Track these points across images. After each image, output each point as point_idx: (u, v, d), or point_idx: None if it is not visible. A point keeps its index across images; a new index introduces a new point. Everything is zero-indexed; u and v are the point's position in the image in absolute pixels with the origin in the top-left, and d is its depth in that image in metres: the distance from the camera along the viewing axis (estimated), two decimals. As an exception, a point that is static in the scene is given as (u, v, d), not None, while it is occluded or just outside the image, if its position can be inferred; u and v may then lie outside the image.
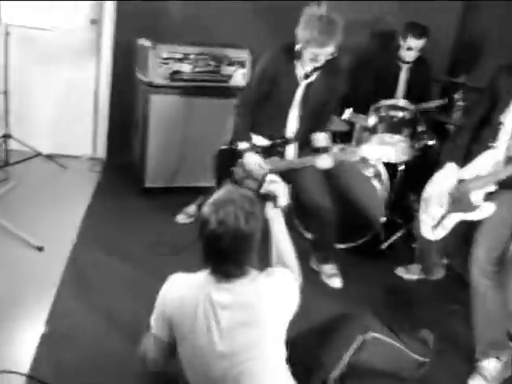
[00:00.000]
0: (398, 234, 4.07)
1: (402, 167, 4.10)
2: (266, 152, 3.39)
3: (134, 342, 2.38)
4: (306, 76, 3.25)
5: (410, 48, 4.21)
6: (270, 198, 2.28)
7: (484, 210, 2.83)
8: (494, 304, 2.78)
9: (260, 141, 3.43)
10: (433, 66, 4.49)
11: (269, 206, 2.23)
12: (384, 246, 3.99)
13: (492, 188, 2.83)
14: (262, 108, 3.34)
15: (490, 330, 2.80)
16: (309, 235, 3.79)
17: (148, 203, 4.19)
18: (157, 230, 3.82)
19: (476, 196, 2.87)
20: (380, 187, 3.81)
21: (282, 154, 3.44)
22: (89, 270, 3.25)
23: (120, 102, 4.67)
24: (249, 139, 3.38)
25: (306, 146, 3.48)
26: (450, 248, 3.61)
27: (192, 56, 4.10)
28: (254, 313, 1.96)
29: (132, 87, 4.46)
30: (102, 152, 4.88)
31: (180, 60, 4.08)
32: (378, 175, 3.87)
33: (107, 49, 4.58)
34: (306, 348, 2.26)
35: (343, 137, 4.28)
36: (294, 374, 2.10)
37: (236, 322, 1.94)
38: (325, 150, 3.39)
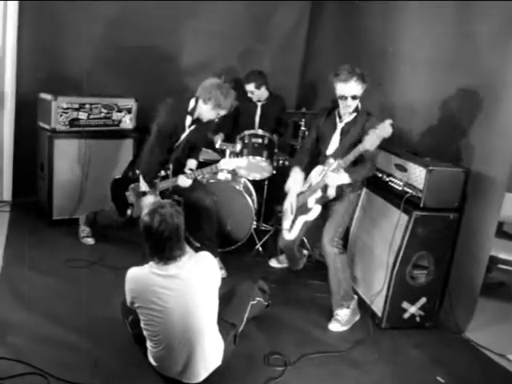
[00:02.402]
0: (268, 236, 5.08)
1: (266, 183, 5.12)
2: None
3: (67, 328, 3.37)
4: (189, 126, 4.21)
5: (246, 91, 5.21)
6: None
7: (315, 211, 3.88)
8: (342, 267, 3.83)
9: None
10: (284, 101, 5.54)
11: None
12: (258, 245, 4.97)
13: (319, 194, 3.85)
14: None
15: (340, 288, 3.84)
16: (197, 244, 4.66)
17: (57, 232, 4.85)
18: (68, 251, 4.51)
19: (310, 201, 3.90)
20: (250, 199, 4.77)
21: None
22: (19, 283, 3.90)
23: (23, 149, 5.29)
24: (155, 178, 4.24)
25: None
26: (309, 241, 4.68)
27: (87, 105, 4.89)
28: (194, 279, 2.86)
29: (33, 135, 5.11)
30: (7, 195, 5.44)
31: (77, 109, 4.84)
32: (246, 188, 4.84)
33: (10, 103, 5.19)
34: (220, 313, 3.14)
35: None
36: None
37: (183, 287, 2.83)
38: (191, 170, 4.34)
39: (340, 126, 3.83)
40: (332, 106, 3.91)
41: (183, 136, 4.25)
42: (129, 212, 4.39)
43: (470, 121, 3.87)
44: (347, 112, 3.78)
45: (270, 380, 3.12)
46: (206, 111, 4.07)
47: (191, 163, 4.45)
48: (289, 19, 6.16)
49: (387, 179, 4.05)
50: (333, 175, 3.65)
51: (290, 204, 4.05)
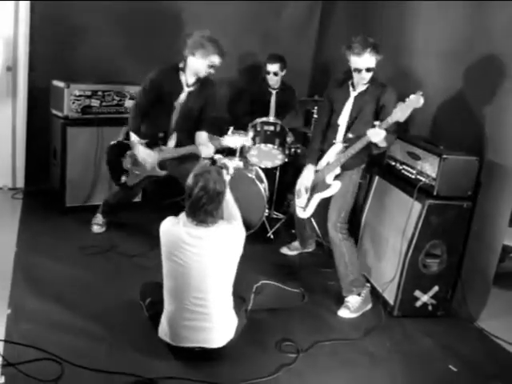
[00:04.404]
0: (279, 224, 5.09)
1: (278, 171, 5.12)
2: (148, 144, 4.27)
3: (81, 315, 3.38)
4: (188, 85, 4.20)
5: (269, 72, 5.25)
6: (224, 168, 3.24)
7: (334, 187, 3.86)
8: (347, 251, 3.84)
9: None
10: (295, 90, 5.56)
11: (224, 173, 3.18)
12: (269, 233, 4.98)
13: (338, 170, 3.84)
14: (151, 108, 4.22)
15: (348, 272, 3.85)
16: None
17: (70, 219, 4.87)
18: (80, 238, 4.53)
19: (329, 178, 3.89)
20: (262, 187, 4.77)
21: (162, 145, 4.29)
22: (33, 269, 3.92)
23: (36, 137, 5.31)
24: (139, 134, 4.26)
25: (184, 141, 4.31)
26: (320, 229, 4.67)
27: (100, 93, 4.89)
28: (217, 245, 2.96)
29: (46, 123, 5.14)
30: (20, 182, 5.48)
31: (90, 96, 4.85)
32: (258, 176, 4.84)
33: (22, 91, 5.22)
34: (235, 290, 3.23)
35: (229, 152, 5.23)
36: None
37: (206, 249, 2.94)
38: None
39: (353, 95, 3.80)
40: (345, 77, 3.87)
41: (182, 95, 4.23)
42: (123, 178, 4.40)
43: (484, 109, 3.84)
44: (361, 83, 3.75)
45: (282, 367, 3.13)
46: (197, 63, 4.08)
47: (203, 136, 4.35)
48: (302, 7, 6.15)
49: (400, 167, 4.03)
50: (375, 131, 3.49)
51: (303, 183, 4.05)
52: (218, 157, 3.34)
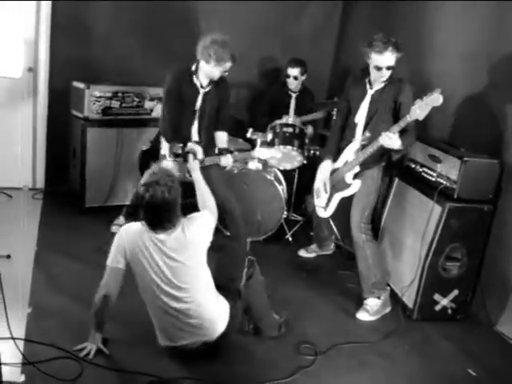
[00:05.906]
0: (297, 226, 5.09)
1: (296, 173, 5.11)
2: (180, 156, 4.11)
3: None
4: (203, 87, 4.15)
5: (289, 76, 5.25)
6: (192, 153, 3.18)
7: (354, 186, 3.84)
8: (371, 254, 3.81)
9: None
10: (314, 93, 5.55)
11: (191, 158, 3.12)
12: (288, 235, 4.97)
13: (357, 169, 3.82)
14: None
15: (371, 274, 3.82)
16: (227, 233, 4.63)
17: (89, 219, 4.90)
18: (99, 238, 4.47)
19: (348, 177, 3.87)
20: (280, 189, 4.77)
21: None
22: (53, 268, 3.96)
23: (56, 137, 5.36)
24: (172, 141, 4.13)
25: (209, 146, 4.20)
26: (339, 231, 4.66)
27: (120, 94, 4.93)
28: (185, 244, 2.92)
29: (66, 123, 5.19)
30: (41, 182, 5.54)
31: (110, 98, 4.89)
32: (277, 178, 4.84)
33: (43, 91, 5.28)
34: (221, 271, 3.20)
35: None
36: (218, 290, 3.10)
37: (173, 251, 2.90)
38: (227, 150, 4.20)
39: (370, 92, 3.77)
40: (362, 74, 3.84)
41: (199, 98, 4.17)
42: None
43: (507, 111, 3.79)
44: (379, 81, 3.72)
45: (300, 369, 3.12)
46: (211, 70, 4.03)
47: (222, 137, 4.26)
48: (322, 8, 6.14)
49: (421, 170, 4.01)
50: (387, 134, 3.49)
51: (322, 182, 4.03)
52: (189, 144, 3.26)
